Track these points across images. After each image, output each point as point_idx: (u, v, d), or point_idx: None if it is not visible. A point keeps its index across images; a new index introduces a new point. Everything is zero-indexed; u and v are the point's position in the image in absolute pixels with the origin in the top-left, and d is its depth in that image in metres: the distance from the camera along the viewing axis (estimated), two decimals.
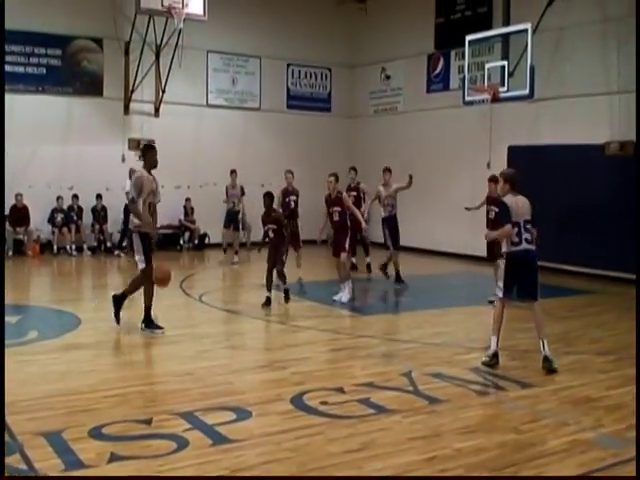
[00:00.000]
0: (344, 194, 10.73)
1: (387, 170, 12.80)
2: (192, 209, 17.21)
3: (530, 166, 14.73)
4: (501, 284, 6.89)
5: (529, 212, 6.93)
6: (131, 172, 15.53)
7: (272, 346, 7.75)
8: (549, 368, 6.76)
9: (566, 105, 14.00)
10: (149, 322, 8.11)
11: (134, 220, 8.14)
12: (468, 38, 13.83)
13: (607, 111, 13.38)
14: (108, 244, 16.20)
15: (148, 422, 5.19)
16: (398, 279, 12.21)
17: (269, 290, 9.88)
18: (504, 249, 6.85)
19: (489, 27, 15.07)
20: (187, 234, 17.35)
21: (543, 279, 11.06)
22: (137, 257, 8.08)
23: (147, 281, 8.07)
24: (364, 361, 7.16)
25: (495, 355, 6.97)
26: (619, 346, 7.93)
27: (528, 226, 6.85)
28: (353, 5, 18.95)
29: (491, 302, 9.89)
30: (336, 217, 10.38)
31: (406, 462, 4.58)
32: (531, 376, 6.66)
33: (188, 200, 17.19)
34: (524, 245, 6.81)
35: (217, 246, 17.17)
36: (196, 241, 17.18)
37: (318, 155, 18.56)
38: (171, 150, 16.74)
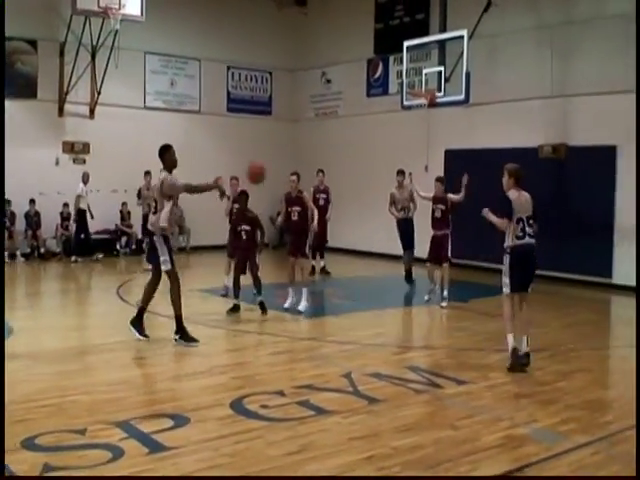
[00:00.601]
0: (305, 193, 10.48)
1: (401, 172, 12.82)
2: (129, 213, 16.92)
3: (466, 169, 15.01)
4: (507, 280, 6.89)
5: (531, 207, 7.07)
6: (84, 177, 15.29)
7: (212, 351, 7.67)
8: (526, 363, 6.81)
9: (501, 110, 14.34)
10: (184, 333, 7.81)
11: (158, 223, 7.82)
12: (406, 44, 14.03)
13: (540, 115, 13.76)
14: (42, 250, 15.78)
15: (82, 432, 5.07)
16: (407, 278, 12.46)
17: (237, 296, 9.69)
18: (508, 243, 6.91)
19: (426, 33, 15.35)
20: (124, 239, 17.05)
21: (479, 279, 11.36)
22: (162, 259, 7.83)
23: (175, 285, 7.91)
24: (304, 363, 7.18)
25: (514, 351, 6.83)
26: (551, 343, 8.15)
27: (531, 221, 6.99)
28: (294, 9, 18.99)
29: (443, 307, 10.08)
30: (295, 217, 10.03)
31: (344, 462, 4.61)
32: (467, 373, 6.80)
33: (124, 204, 16.89)
34: (527, 239, 6.94)
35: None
36: (133, 246, 16.90)
37: (259, 158, 18.42)
38: (107, 153, 16.50)
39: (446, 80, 13.17)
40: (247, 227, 9.79)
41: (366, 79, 17.81)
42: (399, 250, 12.99)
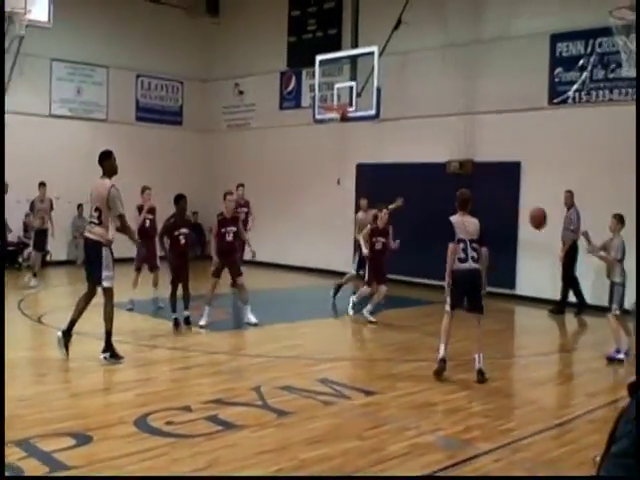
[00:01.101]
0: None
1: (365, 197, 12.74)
2: (25, 224, 16.27)
3: (376, 183, 15.32)
4: (447, 298, 7.21)
5: (477, 232, 7.31)
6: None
7: (116, 367, 7.44)
8: (482, 380, 7.07)
9: (410, 125, 14.67)
10: (113, 351, 7.49)
11: (107, 235, 7.42)
12: (318, 58, 14.13)
13: (448, 132, 14.17)
14: None
15: None
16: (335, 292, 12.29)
17: (174, 310, 9.45)
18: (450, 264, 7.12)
19: (339, 48, 15.57)
20: (26, 251, 16.37)
21: (388, 291, 11.53)
22: (106, 274, 7.40)
23: (111, 302, 7.50)
24: (213, 378, 7.09)
25: (442, 360, 7.18)
26: (456, 353, 8.30)
27: (474, 245, 7.20)
28: (206, 19, 18.86)
29: (370, 320, 10.12)
30: (230, 237, 9.83)
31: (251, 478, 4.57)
32: (375, 384, 6.89)
33: (28, 215, 16.25)
34: (470, 263, 7.16)
35: (60, 264, 16.41)
36: None
37: (170, 169, 18.25)
38: (10, 162, 15.78)
39: (357, 95, 13.34)
40: (186, 231, 9.64)
41: (279, 92, 17.86)
42: (315, 262, 12.99)
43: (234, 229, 9.86)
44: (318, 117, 14.30)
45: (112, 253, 7.52)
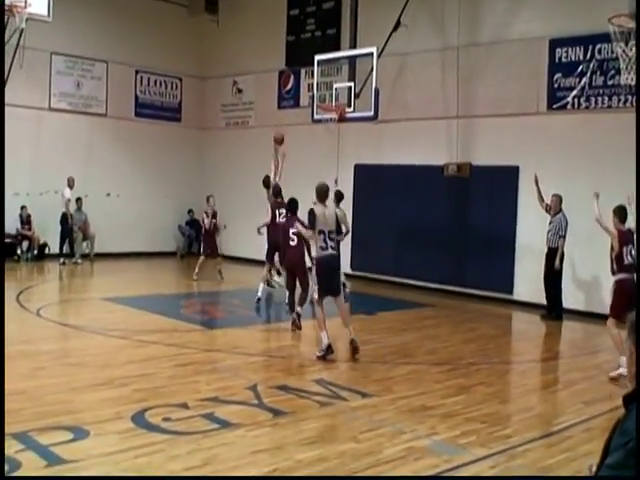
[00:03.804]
0: None
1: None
2: (28, 216, 16.26)
3: (374, 184, 15.37)
4: (316, 287, 7.68)
5: (334, 224, 7.93)
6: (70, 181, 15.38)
7: (114, 362, 7.45)
8: (355, 346, 7.80)
9: (408, 127, 14.68)
10: None
11: None
12: (317, 58, 14.12)
13: (446, 134, 14.20)
14: None
15: None
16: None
17: (293, 309, 9.54)
18: (313, 254, 7.72)
19: (338, 48, 15.55)
20: (25, 243, 16.36)
21: (383, 293, 11.57)
22: None
23: None
24: (210, 376, 7.10)
25: (329, 347, 7.77)
26: (453, 357, 8.39)
27: (332, 235, 7.83)
28: (205, 17, 18.82)
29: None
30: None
31: (248, 476, 4.58)
32: (371, 386, 6.90)
33: (24, 208, 16.22)
34: (330, 251, 7.82)
35: (59, 256, 16.38)
36: (35, 251, 16.25)
37: (168, 165, 18.24)
38: (9, 155, 15.77)
39: (356, 96, 13.35)
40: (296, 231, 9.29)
41: (277, 90, 17.85)
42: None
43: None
44: (316, 117, 14.26)
45: None
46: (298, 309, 9.41)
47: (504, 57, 13.29)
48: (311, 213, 7.89)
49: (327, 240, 7.76)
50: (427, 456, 5.13)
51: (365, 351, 8.16)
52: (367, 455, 5.06)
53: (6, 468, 4.46)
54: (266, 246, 11.47)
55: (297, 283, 9.61)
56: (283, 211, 11.01)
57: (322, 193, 8.05)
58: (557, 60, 12.60)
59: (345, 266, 15.52)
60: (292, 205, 9.53)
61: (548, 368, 8.69)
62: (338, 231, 8.10)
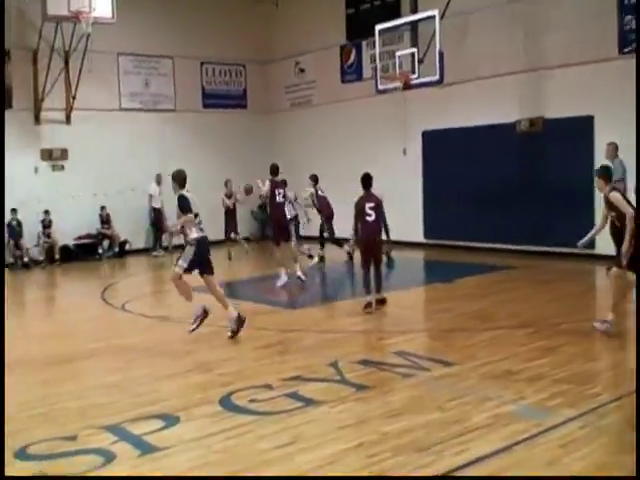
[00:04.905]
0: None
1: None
2: (108, 216, 16.84)
3: (444, 149, 15.13)
4: (185, 264, 7.81)
5: (197, 206, 8.08)
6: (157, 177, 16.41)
7: (198, 349, 7.65)
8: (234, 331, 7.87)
9: (476, 88, 14.35)
10: None
11: None
12: (378, 28, 13.99)
13: (516, 90, 13.78)
14: (25, 259, 15.67)
15: (73, 438, 5.08)
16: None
17: (368, 291, 9.21)
18: (194, 235, 7.83)
19: (398, 16, 15.29)
20: (106, 242, 16.97)
21: (460, 259, 11.31)
22: None
23: None
24: (291, 355, 7.20)
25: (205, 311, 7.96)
26: (536, 318, 8.20)
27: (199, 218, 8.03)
28: (265, 1, 18.88)
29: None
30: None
31: (335, 451, 4.63)
32: (453, 355, 6.83)
33: (103, 208, 16.82)
34: (205, 232, 8.03)
35: (138, 252, 16.91)
36: (116, 249, 16.83)
37: (236, 152, 18.48)
38: (85, 157, 16.41)
39: (420, 61, 13.18)
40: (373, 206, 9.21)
41: (340, 66, 17.77)
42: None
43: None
44: (380, 87, 14.19)
45: None
46: (376, 296, 9.06)
47: (569, 4, 12.76)
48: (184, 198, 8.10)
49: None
50: (515, 421, 5.04)
51: (445, 319, 8.09)
52: (454, 424, 5.02)
53: (101, 460, 4.67)
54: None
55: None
56: (281, 190, 11.44)
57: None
58: (626, 1, 11.99)
59: (418, 235, 15.42)
60: (366, 180, 9.27)
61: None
62: None
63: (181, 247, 8.15)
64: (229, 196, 15.29)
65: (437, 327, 7.91)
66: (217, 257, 11.54)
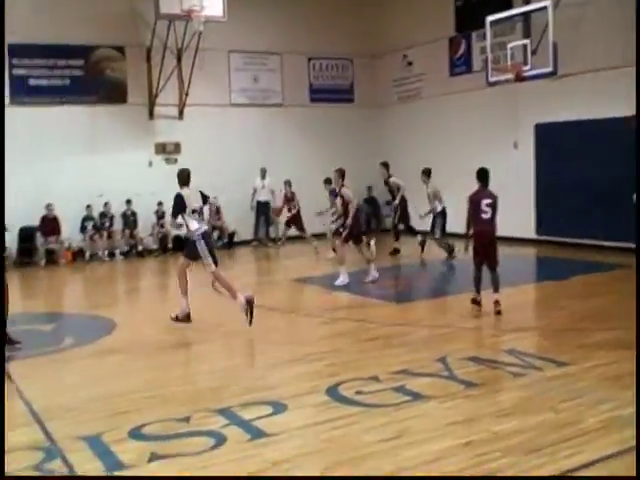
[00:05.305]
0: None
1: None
2: (217, 208, 17.31)
3: (558, 143, 14.60)
4: (210, 259, 8.36)
5: (199, 201, 8.52)
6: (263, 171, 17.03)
7: (306, 339, 7.76)
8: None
9: (590, 80, 13.76)
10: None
11: None
12: (489, 19, 13.68)
13: (632, 83, 13.10)
14: (139, 248, 16.37)
15: (187, 420, 5.26)
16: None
17: (478, 290, 8.65)
18: (196, 228, 8.28)
19: (509, 6, 14.87)
20: (215, 233, 17.47)
21: (574, 256, 10.81)
22: None
23: None
24: (398, 349, 7.14)
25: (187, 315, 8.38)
26: None
27: (196, 214, 8.39)
28: None
29: None
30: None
31: (443, 448, 4.57)
32: (566, 354, 6.59)
33: (214, 199, 17.29)
34: (206, 225, 8.62)
35: (246, 243, 17.29)
36: (225, 240, 17.30)
37: (343, 147, 18.53)
38: (197, 151, 16.93)
39: (532, 53, 12.80)
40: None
41: (448, 58, 17.49)
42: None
43: None
44: (491, 79, 13.87)
45: None
46: (495, 296, 8.46)
47: None
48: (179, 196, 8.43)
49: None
50: (630, 426, 4.79)
51: (557, 318, 7.82)
52: (566, 426, 4.85)
53: (212, 442, 4.81)
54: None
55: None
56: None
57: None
58: None
59: (529, 231, 14.97)
60: (483, 175, 8.68)
61: None
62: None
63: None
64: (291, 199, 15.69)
65: (549, 326, 7.64)
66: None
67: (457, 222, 10.76)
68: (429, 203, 13.60)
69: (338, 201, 11.51)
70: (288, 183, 15.95)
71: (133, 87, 16.67)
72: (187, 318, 8.40)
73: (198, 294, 10.12)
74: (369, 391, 5.74)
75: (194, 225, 8.29)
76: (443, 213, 13.36)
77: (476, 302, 8.59)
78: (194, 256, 8.42)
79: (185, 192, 8.42)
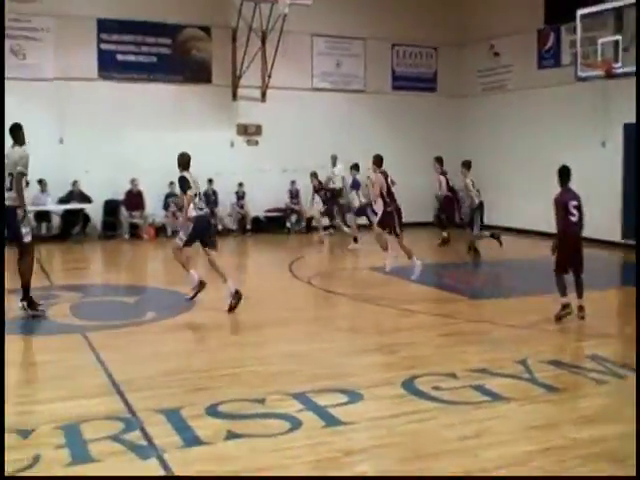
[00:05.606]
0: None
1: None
2: (297, 192, 17.40)
3: None
4: (184, 237, 8.64)
5: (198, 186, 8.96)
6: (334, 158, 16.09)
7: (382, 330, 7.72)
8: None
9: None
10: (31, 302, 8.06)
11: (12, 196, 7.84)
12: (579, 12, 13.27)
13: None
14: (219, 227, 16.62)
15: (262, 401, 5.29)
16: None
17: (563, 294, 8.12)
18: (192, 213, 8.57)
19: (601, 1, 14.37)
20: (294, 217, 17.59)
21: None
22: (25, 231, 7.90)
23: (28, 256, 8.04)
24: (477, 347, 7.01)
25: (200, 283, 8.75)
26: None
27: (197, 199, 8.76)
28: None
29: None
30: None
31: (522, 452, 4.46)
32: None
33: (293, 183, 17.41)
34: (205, 210, 9.05)
35: (325, 229, 17.31)
36: (303, 223, 17.39)
37: (423, 136, 18.32)
38: (278, 134, 17.06)
39: (624, 50, 12.33)
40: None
41: (536, 50, 17.02)
42: None
43: None
44: (581, 74, 13.46)
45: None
46: (578, 302, 8.05)
47: None
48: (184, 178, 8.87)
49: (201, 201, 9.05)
50: None
51: None
52: None
53: (288, 425, 4.82)
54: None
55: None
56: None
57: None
58: None
59: (615, 233, 14.47)
60: (565, 173, 8.16)
61: None
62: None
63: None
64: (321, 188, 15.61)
65: (633, 333, 7.36)
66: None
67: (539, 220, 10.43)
68: (466, 196, 13.33)
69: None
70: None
71: (217, 68, 16.89)
72: (201, 285, 8.80)
73: (277, 277, 10.23)
74: (447, 387, 5.64)
75: (191, 209, 8.63)
76: (481, 207, 13.01)
77: (566, 307, 8.09)
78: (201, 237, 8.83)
79: (188, 175, 8.83)
